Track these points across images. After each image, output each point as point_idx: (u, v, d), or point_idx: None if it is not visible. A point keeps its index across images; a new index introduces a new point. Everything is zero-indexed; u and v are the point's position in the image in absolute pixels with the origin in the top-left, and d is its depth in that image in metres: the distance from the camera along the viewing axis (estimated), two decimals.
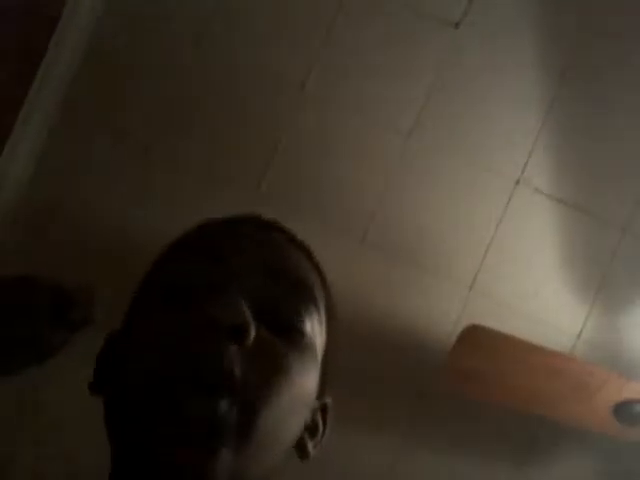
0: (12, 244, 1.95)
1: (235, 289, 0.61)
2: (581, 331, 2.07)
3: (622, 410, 1.76)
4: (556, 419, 1.90)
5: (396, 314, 2.03)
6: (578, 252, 2.07)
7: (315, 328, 0.64)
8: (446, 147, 2.02)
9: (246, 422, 0.56)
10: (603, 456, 2.12)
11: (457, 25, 1.99)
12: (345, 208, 2.02)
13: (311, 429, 0.67)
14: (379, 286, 2.03)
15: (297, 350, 0.61)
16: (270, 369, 0.59)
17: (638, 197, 2.05)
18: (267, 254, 0.65)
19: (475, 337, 1.75)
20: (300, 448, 0.66)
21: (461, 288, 2.04)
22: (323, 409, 0.70)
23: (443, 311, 2.03)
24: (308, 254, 0.71)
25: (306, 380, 0.63)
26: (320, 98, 2.00)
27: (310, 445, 0.67)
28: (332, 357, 0.69)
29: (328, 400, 0.70)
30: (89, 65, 1.94)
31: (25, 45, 1.75)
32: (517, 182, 2.03)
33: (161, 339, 0.59)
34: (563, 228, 2.05)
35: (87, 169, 1.98)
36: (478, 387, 1.84)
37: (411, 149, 2.01)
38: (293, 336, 0.62)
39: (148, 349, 0.60)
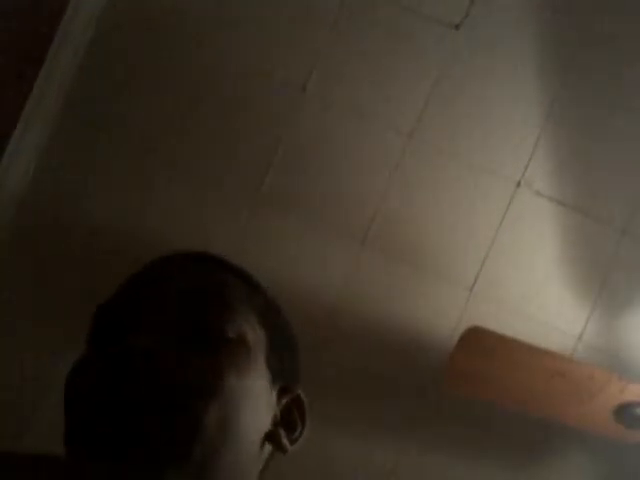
0: (13, 244, 1.95)
1: (150, 320, 0.65)
2: (582, 333, 2.06)
3: (623, 412, 1.76)
4: (557, 421, 1.90)
5: (397, 316, 2.03)
6: (578, 254, 2.06)
7: (241, 329, 0.67)
8: (446, 149, 2.02)
9: (184, 437, 0.59)
10: (604, 458, 2.11)
11: (458, 27, 1.99)
12: (345, 210, 2.02)
13: (287, 424, 0.70)
14: (379, 288, 2.03)
15: (227, 357, 0.64)
16: (198, 376, 0.61)
17: (638, 199, 2.05)
18: (179, 284, 0.69)
19: (476, 339, 1.74)
20: (276, 444, 0.68)
21: (462, 290, 2.04)
22: (296, 403, 0.72)
23: (444, 313, 2.03)
24: (235, 273, 0.74)
25: (247, 379, 0.64)
26: (321, 100, 2.00)
27: (285, 439, 0.69)
28: (280, 347, 0.71)
29: (298, 392, 0.73)
30: (90, 65, 1.94)
31: (27, 45, 1.75)
32: (518, 184, 2.03)
33: (83, 379, 0.64)
34: (564, 230, 2.04)
35: (88, 169, 1.98)
36: (479, 389, 1.84)
37: (412, 151, 2.01)
38: (218, 347, 0.64)
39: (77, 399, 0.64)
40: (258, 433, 0.66)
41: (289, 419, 0.70)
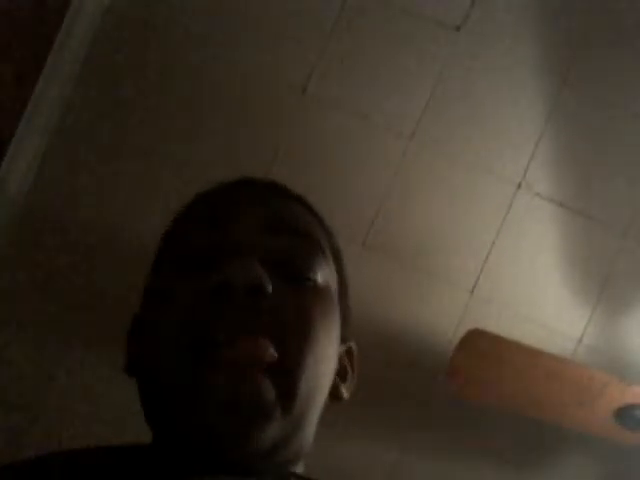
0: (13, 245, 1.95)
1: (245, 251, 0.61)
2: (582, 335, 2.06)
3: (623, 414, 1.76)
4: (557, 423, 1.90)
5: (397, 318, 2.03)
6: (579, 256, 2.06)
7: (326, 273, 0.66)
8: (447, 151, 2.02)
9: (287, 392, 0.58)
10: (604, 460, 2.11)
11: (458, 28, 1.99)
12: (346, 211, 2.02)
13: (341, 373, 0.69)
14: (380, 290, 2.03)
15: (316, 297, 0.63)
16: (295, 321, 0.60)
17: (639, 201, 2.05)
18: (267, 213, 0.67)
19: (476, 341, 1.74)
20: (334, 393, 0.67)
21: (462, 292, 2.04)
22: (348, 352, 0.72)
23: (444, 315, 2.03)
24: (306, 205, 0.74)
25: (330, 325, 0.64)
26: (321, 101, 2.00)
27: (343, 388, 0.69)
28: (346, 299, 0.71)
29: (352, 343, 0.73)
30: (91, 67, 1.94)
31: (28, 47, 1.75)
32: (518, 186, 2.03)
33: (182, 308, 0.60)
34: (564, 232, 2.04)
35: (89, 171, 1.98)
36: (479, 391, 1.84)
37: (412, 152, 2.01)
38: (308, 285, 0.63)
39: (170, 320, 0.60)
40: (330, 383, 0.66)
41: (341, 368, 0.70)
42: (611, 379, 1.73)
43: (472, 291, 2.04)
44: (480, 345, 1.75)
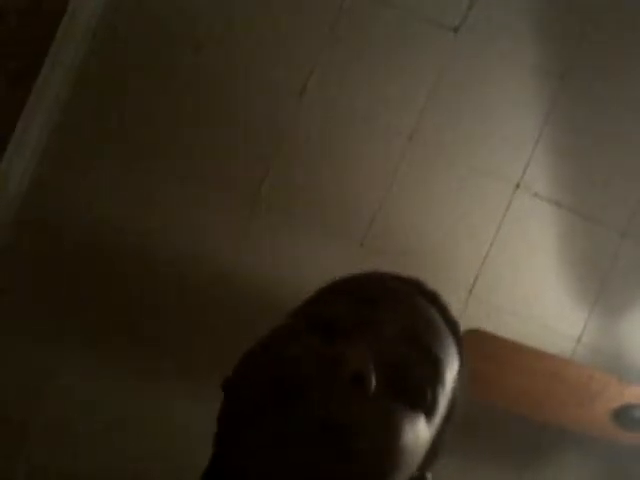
0: (14, 246, 1.95)
1: (372, 339, 0.62)
2: (581, 335, 2.07)
3: (622, 414, 1.76)
4: (556, 423, 1.90)
5: None
6: (578, 256, 2.07)
7: (435, 403, 0.65)
8: (446, 151, 2.02)
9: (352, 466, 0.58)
10: (603, 460, 2.12)
11: (456, 30, 1.99)
12: (345, 212, 2.02)
13: None
14: None
15: (410, 416, 0.62)
16: (381, 423, 0.60)
17: (637, 201, 2.05)
18: (417, 322, 0.67)
19: (475, 341, 1.75)
20: None
21: (461, 292, 2.04)
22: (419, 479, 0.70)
23: None
24: (455, 333, 0.73)
25: (413, 446, 0.63)
26: (320, 102, 2.00)
27: None
28: (445, 436, 0.70)
29: (428, 475, 0.71)
30: (90, 68, 1.94)
31: (27, 46, 1.75)
32: (517, 186, 2.03)
33: (293, 358, 0.61)
34: (563, 232, 2.05)
35: (88, 171, 1.98)
36: (478, 391, 1.84)
37: (411, 153, 2.01)
38: (409, 402, 0.63)
39: (279, 361, 0.62)
40: None
41: None
42: (610, 379, 1.73)
43: (471, 291, 2.04)
44: (479, 345, 1.75)
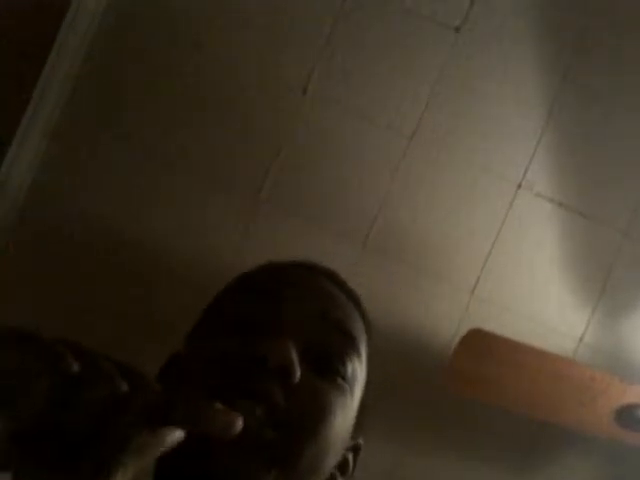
0: (15, 246, 1.95)
1: (288, 331, 0.66)
2: (583, 335, 2.06)
3: (624, 414, 1.76)
4: (557, 423, 1.90)
5: (398, 318, 2.03)
6: (580, 256, 2.06)
7: (356, 374, 0.71)
8: (448, 150, 2.02)
9: (291, 452, 0.62)
10: (605, 460, 2.11)
11: (458, 29, 1.99)
12: (347, 212, 2.02)
13: (342, 466, 0.72)
14: (381, 290, 2.03)
15: (338, 392, 0.68)
16: (312, 406, 0.65)
17: (639, 201, 2.05)
18: (322, 303, 0.72)
19: (477, 341, 1.74)
20: None
21: (463, 292, 2.04)
22: (355, 448, 0.75)
23: (445, 315, 2.03)
24: (358, 305, 0.77)
25: (344, 420, 0.68)
26: (322, 102, 1.99)
27: None
28: (368, 402, 0.76)
29: (360, 441, 0.76)
30: (92, 66, 1.94)
31: (29, 45, 1.75)
32: (519, 186, 2.03)
33: (219, 363, 0.65)
34: (565, 232, 2.04)
35: (89, 170, 1.98)
36: (479, 391, 1.84)
37: (413, 153, 2.01)
38: (335, 379, 0.68)
39: (207, 369, 0.66)
40: (327, 475, 0.69)
41: (343, 461, 0.72)
42: (612, 379, 1.73)
43: (473, 291, 2.04)
44: (480, 345, 1.75)
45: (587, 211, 2.04)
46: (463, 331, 1.78)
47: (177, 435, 0.50)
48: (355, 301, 0.77)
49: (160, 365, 0.81)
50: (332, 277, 0.77)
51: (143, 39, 1.96)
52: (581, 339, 2.06)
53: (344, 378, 0.68)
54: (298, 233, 2.01)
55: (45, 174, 1.95)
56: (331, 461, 0.68)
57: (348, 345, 0.70)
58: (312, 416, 0.64)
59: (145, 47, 1.96)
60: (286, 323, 0.67)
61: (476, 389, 1.84)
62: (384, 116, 2.01)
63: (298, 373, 0.63)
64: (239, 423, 0.50)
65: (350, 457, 0.74)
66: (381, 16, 1.99)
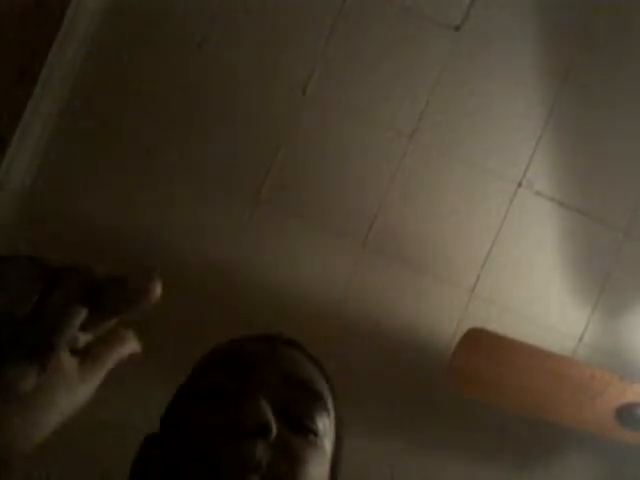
0: (13, 246, 1.95)
1: (261, 395, 0.72)
2: (583, 334, 2.06)
3: (624, 413, 1.76)
4: (557, 422, 1.90)
5: (398, 317, 2.03)
6: (580, 255, 2.06)
7: (326, 430, 0.76)
8: (447, 150, 2.02)
9: None
10: (605, 459, 2.11)
11: (458, 28, 1.99)
12: (347, 211, 2.02)
13: None
14: (380, 289, 2.03)
15: (311, 447, 0.73)
16: (291, 462, 0.69)
17: (639, 200, 2.05)
18: (287, 367, 0.78)
19: (477, 340, 1.74)
20: None
21: (463, 291, 2.04)
22: None
23: (445, 314, 2.03)
24: (321, 369, 0.82)
25: (319, 472, 0.73)
26: (321, 101, 2.00)
27: None
28: (339, 456, 0.80)
29: None
30: (92, 66, 1.94)
31: (29, 45, 1.75)
32: (519, 185, 2.03)
33: (201, 434, 0.70)
34: (565, 231, 2.04)
35: (88, 169, 1.98)
36: (480, 390, 1.84)
37: (412, 152, 2.01)
38: (308, 435, 0.73)
39: (186, 445, 0.70)
40: None
41: None
42: (612, 378, 1.73)
43: (472, 290, 2.04)
44: (480, 344, 1.75)
45: (587, 210, 2.04)
46: (463, 331, 1.78)
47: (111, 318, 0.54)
48: (318, 365, 0.82)
49: (158, 365, 0.83)
50: (295, 344, 0.83)
51: (143, 38, 1.96)
52: (581, 338, 2.06)
53: (316, 434, 0.73)
54: (298, 232, 2.01)
55: (45, 174, 1.95)
56: None
57: (316, 403, 0.76)
58: (292, 472, 0.69)
59: (145, 46, 1.96)
60: (256, 387, 0.73)
61: (476, 388, 1.84)
62: (384, 116, 2.01)
63: (275, 428, 0.68)
64: (158, 287, 0.54)
65: None
66: (381, 16, 1.99)
